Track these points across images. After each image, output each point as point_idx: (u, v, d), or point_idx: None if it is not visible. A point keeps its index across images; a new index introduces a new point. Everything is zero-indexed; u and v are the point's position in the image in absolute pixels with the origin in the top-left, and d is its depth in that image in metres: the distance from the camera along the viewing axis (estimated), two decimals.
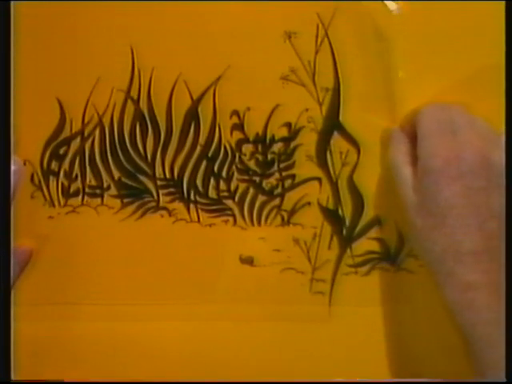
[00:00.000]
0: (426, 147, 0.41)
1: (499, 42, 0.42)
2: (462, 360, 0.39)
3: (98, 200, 0.47)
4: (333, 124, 0.46)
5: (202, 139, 0.46)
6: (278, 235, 0.47)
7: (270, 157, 0.46)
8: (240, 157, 0.46)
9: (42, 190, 0.47)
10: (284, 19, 0.45)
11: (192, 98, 0.46)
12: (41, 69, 0.46)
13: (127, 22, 0.45)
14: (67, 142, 0.47)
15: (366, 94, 0.45)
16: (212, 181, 0.47)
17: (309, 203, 0.46)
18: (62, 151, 0.47)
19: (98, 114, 0.46)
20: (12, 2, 0.44)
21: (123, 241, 0.47)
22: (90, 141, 0.47)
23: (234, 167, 0.46)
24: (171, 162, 0.47)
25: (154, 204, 0.47)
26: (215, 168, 0.47)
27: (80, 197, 0.47)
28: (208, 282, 0.47)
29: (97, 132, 0.47)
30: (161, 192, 0.47)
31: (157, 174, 0.47)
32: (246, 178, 0.47)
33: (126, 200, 0.47)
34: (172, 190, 0.47)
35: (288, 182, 0.46)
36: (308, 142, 0.46)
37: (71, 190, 0.47)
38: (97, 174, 0.47)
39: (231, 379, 0.46)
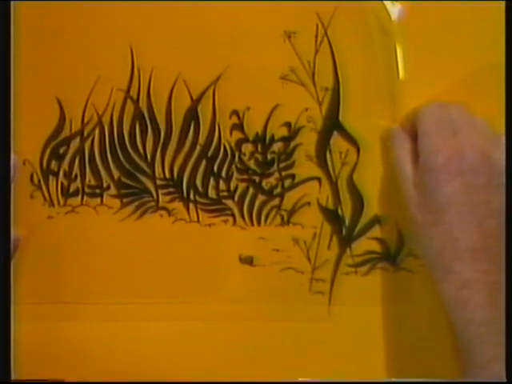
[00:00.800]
0: (426, 145, 0.41)
1: (499, 41, 0.42)
2: (456, 363, 0.40)
3: (98, 200, 0.47)
4: (332, 124, 0.46)
5: (201, 139, 0.46)
6: (277, 235, 0.47)
7: (269, 156, 0.46)
8: (240, 156, 0.46)
9: (41, 190, 0.47)
10: (283, 19, 0.45)
11: (191, 97, 0.46)
12: (40, 68, 0.46)
13: (127, 21, 0.45)
14: (67, 141, 0.47)
15: (365, 93, 0.45)
16: (211, 180, 0.47)
17: (308, 203, 0.46)
18: (61, 151, 0.47)
19: (97, 113, 0.46)
20: (12, 2, 0.44)
21: (123, 240, 0.47)
22: (89, 140, 0.47)
23: (233, 167, 0.46)
24: (171, 161, 0.47)
25: (153, 204, 0.47)
26: (215, 168, 0.47)
27: (79, 196, 0.47)
28: (208, 282, 0.47)
29: (96, 132, 0.47)
30: (160, 192, 0.47)
31: (156, 174, 0.47)
32: (245, 177, 0.47)
33: (125, 200, 0.47)
34: (171, 189, 0.47)
35: (288, 182, 0.46)
36: (308, 141, 0.46)
37: (71, 189, 0.47)
38: (96, 173, 0.47)
39: (231, 379, 0.46)
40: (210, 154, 0.46)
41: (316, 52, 0.45)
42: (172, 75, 0.46)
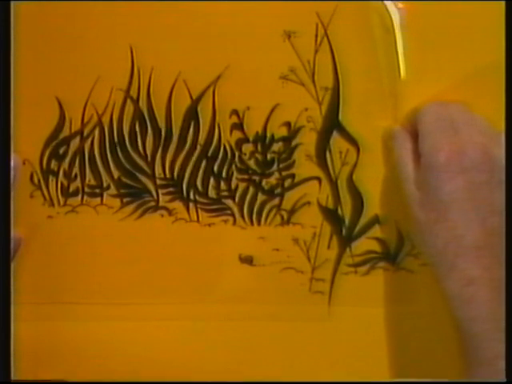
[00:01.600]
0: (428, 143, 0.41)
1: (499, 41, 0.42)
2: (461, 360, 0.39)
3: (98, 199, 0.47)
4: (332, 123, 0.46)
5: (201, 139, 0.46)
6: (277, 235, 0.47)
7: (269, 156, 0.46)
8: (239, 156, 0.46)
9: (41, 190, 0.47)
10: (283, 19, 0.44)
11: (191, 97, 0.46)
12: (40, 68, 0.46)
13: (127, 21, 0.45)
14: (67, 141, 0.47)
15: (365, 93, 0.45)
16: (211, 180, 0.47)
17: (308, 203, 0.46)
18: (61, 151, 0.47)
19: (97, 113, 0.46)
20: (12, 2, 0.44)
21: (123, 240, 0.47)
22: (89, 140, 0.47)
23: (233, 167, 0.46)
24: (171, 161, 0.47)
25: (153, 203, 0.47)
26: (215, 167, 0.47)
27: (79, 196, 0.47)
28: (207, 282, 0.47)
29: (96, 131, 0.47)
30: (160, 191, 0.47)
31: (156, 174, 0.47)
32: (245, 177, 0.47)
33: (125, 199, 0.47)
34: (171, 189, 0.47)
35: (288, 182, 0.46)
36: (307, 141, 0.46)
37: (70, 189, 0.47)
38: (96, 173, 0.47)
39: (230, 379, 0.46)
40: (209, 154, 0.46)
41: (316, 52, 0.45)
42: (172, 75, 0.46)
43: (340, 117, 0.45)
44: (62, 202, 0.47)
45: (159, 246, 0.47)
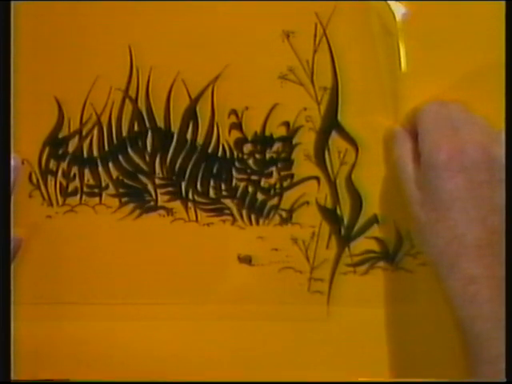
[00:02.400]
0: (427, 143, 0.41)
1: (500, 41, 0.42)
2: (461, 360, 0.40)
3: (96, 199, 0.47)
4: (331, 123, 0.46)
5: (200, 138, 0.46)
6: (276, 234, 0.47)
7: (268, 156, 0.46)
8: (238, 156, 0.46)
9: (40, 190, 0.47)
10: (282, 18, 0.44)
11: (190, 97, 0.46)
12: (39, 68, 0.46)
13: (125, 21, 0.45)
14: (65, 141, 0.47)
15: (364, 93, 0.45)
16: (210, 180, 0.47)
17: (307, 202, 0.46)
18: (60, 150, 0.47)
19: (96, 113, 0.46)
20: (12, 2, 0.44)
21: (121, 240, 0.47)
22: (88, 140, 0.47)
23: (232, 166, 0.46)
24: (169, 161, 0.47)
25: (152, 203, 0.47)
26: (213, 167, 0.47)
27: (78, 196, 0.47)
28: (206, 282, 0.47)
29: (95, 131, 0.47)
30: (159, 191, 0.47)
31: (155, 173, 0.47)
32: (244, 177, 0.47)
33: (124, 199, 0.47)
34: (170, 189, 0.47)
35: (286, 181, 0.46)
36: (306, 141, 0.46)
37: (69, 189, 0.47)
38: (95, 173, 0.47)
39: (229, 379, 0.46)
40: (208, 154, 0.46)
41: (315, 51, 0.45)
42: (171, 74, 0.46)
43: (339, 117, 0.45)
44: (60, 202, 0.47)
45: (158, 246, 0.47)
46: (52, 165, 0.47)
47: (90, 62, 0.46)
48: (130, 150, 0.47)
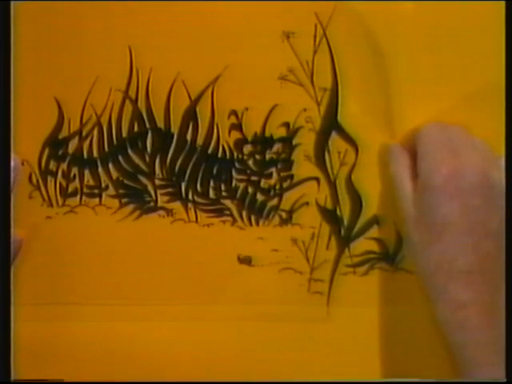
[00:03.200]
0: (426, 164, 0.41)
1: (500, 62, 0.43)
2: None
3: (96, 200, 0.47)
4: (331, 124, 0.46)
5: (200, 139, 0.46)
6: (276, 235, 0.47)
7: (268, 157, 0.46)
8: (238, 156, 0.46)
9: (40, 190, 0.47)
10: (282, 19, 0.44)
11: (190, 97, 0.46)
12: (39, 68, 0.46)
13: (125, 21, 0.45)
14: (65, 141, 0.47)
15: (364, 94, 0.45)
16: (210, 181, 0.47)
17: (307, 203, 0.46)
18: (60, 151, 0.47)
19: (96, 113, 0.46)
20: (12, 2, 0.44)
21: (121, 241, 0.47)
22: (88, 141, 0.47)
23: (232, 167, 0.46)
24: (169, 161, 0.47)
25: (152, 204, 0.47)
26: (213, 168, 0.47)
27: (78, 197, 0.47)
28: (206, 282, 0.47)
29: (95, 132, 0.47)
30: (159, 192, 0.47)
31: (155, 174, 0.47)
32: (244, 177, 0.47)
33: (124, 200, 0.47)
34: (170, 189, 0.47)
35: (286, 182, 0.46)
36: (306, 141, 0.46)
37: (69, 189, 0.47)
38: (95, 173, 0.47)
39: (229, 379, 0.46)
40: (208, 154, 0.46)
41: (314, 52, 0.45)
42: (171, 75, 0.46)
43: (339, 117, 0.45)
44: (60, 203, 0.47)
45: (158, 247, 0.47)
46: (52, 165, 0.47)
47: (90, 62, 0.46)
48: (129, 150, 0.47)
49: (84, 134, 0.47)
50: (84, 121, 0.47)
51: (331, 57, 0.45)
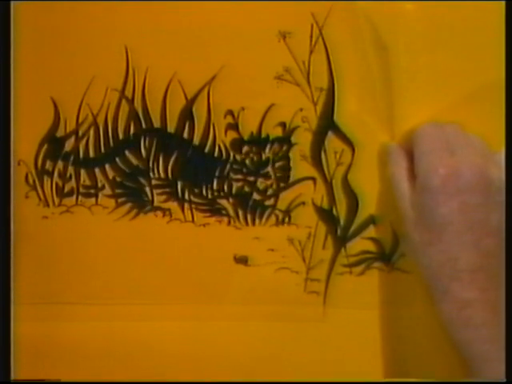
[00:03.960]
0: (423, 165, 0.41)
1: (499, 61, 0.42)
2: (456, 361, 0.40)
3: (93, 200, 0.47)
4: (327, 124, 0.46)
5: (196, 139, 0.46)
6: (272, 235, 0.47)
7: (264, 156, 0.46)
8: (234, 156, 0.46)
9: (36, 190, 0.47)
10: (278, 19, 0.44)
11: (186, 97, 0.46)
12: (35, 68, 0.46)
13: (122, 21, 0.45)
14: (62, 141, 0.47)
15: (360, 93, 0.45)
16: (207, 180, 0.47)
17: (303, 203, 0.46)
18: (56, 151, 0.47)
19: (92, 113, 0.46)
20: (12, 2, 0.44)
21: (118, 240, 0.47)
22: (84, 140, 0.47)
23: (228, 167, 0.46)
24: (166, 161, 0.47)
25: (148, 204, 0.47)
26: (210, 167, 0.47)
27: (74, 196, 0.47)
28: (202, 282, 0.47)
29: (91, 131, 0.47)
30: (155, 192, 0.47)
31: (151, 174, 0.47)
32: (240, 177, 0.47)
33: (120, 200, 0.47)
34: (166, 189, 0.47)
35: (282, 182, 0.46)
36: (302, 141, 0.46)
37: (65, 189, 0.47)
38: (91, 173, 0.47)
39: (224, 379, 0.46)
40: (205, 154, 0.46)
41: (311, 52, 0.45)
42: (167, 75, 0.46)
43: (335, 117, 0.45)
44: (56, 203, 0.47)
45: (154, 247, 0.47)
46: (48, 165, 0.47)
47: (87, 62, 0.46)
48: (126, 150, 0.47)
49: (80, 133, 0.47)
50: (80, 120, 0.47)
51: (327, 57, 0.45)
